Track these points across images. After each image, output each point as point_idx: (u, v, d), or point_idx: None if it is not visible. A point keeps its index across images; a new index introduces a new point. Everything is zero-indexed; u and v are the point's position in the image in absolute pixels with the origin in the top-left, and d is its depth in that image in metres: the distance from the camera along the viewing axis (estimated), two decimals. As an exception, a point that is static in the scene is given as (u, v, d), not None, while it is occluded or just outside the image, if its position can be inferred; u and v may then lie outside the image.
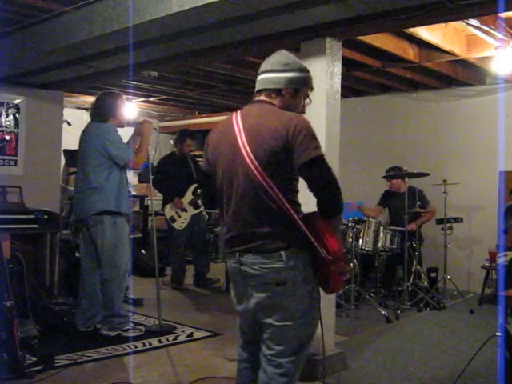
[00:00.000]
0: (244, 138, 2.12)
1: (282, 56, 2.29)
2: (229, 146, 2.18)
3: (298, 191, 2.17)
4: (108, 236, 4.11)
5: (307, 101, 2.32)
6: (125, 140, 4.26)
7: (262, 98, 2.25)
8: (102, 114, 4.20)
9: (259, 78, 2.29)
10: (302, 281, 2.11)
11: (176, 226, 6.06)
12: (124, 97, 4.36)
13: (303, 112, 2.31)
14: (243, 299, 2.23)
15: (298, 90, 2.25)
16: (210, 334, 4.38)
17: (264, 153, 2.07)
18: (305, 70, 2.28)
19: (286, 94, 2.23)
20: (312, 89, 2.32)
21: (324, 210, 2.10)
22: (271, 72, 2.24)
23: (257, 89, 2.28)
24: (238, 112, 2.25)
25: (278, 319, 2.13)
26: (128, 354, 3.83)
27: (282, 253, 2.07)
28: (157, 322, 4.36)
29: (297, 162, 2.07)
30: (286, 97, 2.23)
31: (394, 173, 5.88)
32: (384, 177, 5.98)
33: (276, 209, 2.07)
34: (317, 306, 2.20)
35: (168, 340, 4.15)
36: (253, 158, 2.08)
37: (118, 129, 4.26)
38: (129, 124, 4.49)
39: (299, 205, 2.16)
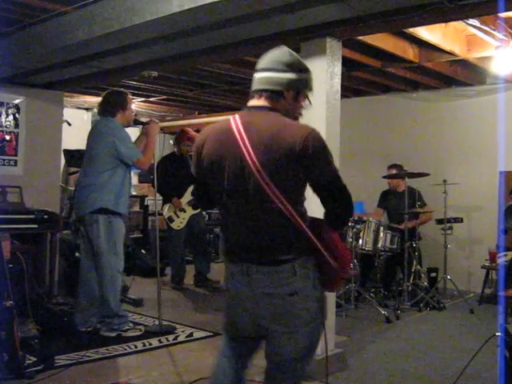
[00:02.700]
0: (251, 152, 1.96)
1: (284, 54, 2.12)
2: (233, 157, 2.01)
3: (305, 199, 2.11)
4: (102, 236, 4.10)
5: (307, 103, 2.19)
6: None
7: (264, 102, 2.08)
8: (110, 109, 4.21)
9: (258, 75, 2.11)
10: (311, 288, 2.09)
11: (174, 226, 6.06)
12: (130, 95, 4.37)
13: (301, 114, 2.19)
14: (247, 307, 2.14)
15: (300, 92, 2.12)
16: (210, 333, 4.37)
17: (276, 169, 1.94)
18: (307, 71, 2.15)
19: (288, 97, 2.09)
20: (311, 89, 2.19)
21: (335, 223, 2.09)
22: (272, 71, 2.07)
23: (255, 87, 2.11)
24: (238, 118, 2.06)
25: (290, 326, 2.09)
26: (128, 353, 3.83)
27: (295, 264, 2.02)
28: (157, 322, 4.36)
29: (315, 181, 2.01)
30: (287, 99, 2.09)
31: (396, 170, 5.88)
32: (385, 177, 5.98)
33: (286, 222, 2.00)
34: (324, 309, 2.18)
35: (168, 340, 4.15)
36: (264, 173, 1.94)
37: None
38: (134, 123, 4.50)
39: (306, 213, 2.10)
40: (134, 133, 4.45)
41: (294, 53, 2.17)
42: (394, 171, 5.97)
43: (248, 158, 1.97)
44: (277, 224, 2.03)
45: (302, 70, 2.13)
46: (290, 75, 2.08)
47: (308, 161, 1.95)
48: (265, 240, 2.05)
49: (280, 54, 2.12)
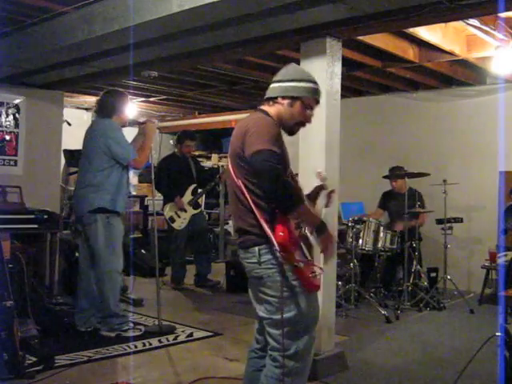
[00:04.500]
0: (230, 144, 2.30)
1: (286, 68, 2.37)
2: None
3: None
4: (101, 236, 4.09)
5: (309, 112, 2.35)
6: (128, 140, 4.26)
7: (261, 106, 2.36)
8: (106, 110, 4.20)
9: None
10: (278, 276, 2.17)
11: (175, 226, 6.05)
12: (128, 96, 4.37)
13: (304, 122, 2.36)
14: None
15: (295, 99, 2.29)
16: (210, 334, 4.38)
17: (233, 155, 2.23)
18: (305, 81, 2.32)
19: (283, 103, 2.30)
20: (317, 99, 2.36)
21: (276, 205, 2.13)
22: (273, 82, 2.35)
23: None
24: None
25: (264, 312, 2.25)
26: (128, 354, 3.83)
27: (256, 248, 2.19)
28: (157, 322, 4.36)
29: (247, 156, 2.14)
30: (282, 105, 2.30)
31: (398, 173, 5.86)
32: (385, 177, 5.97)
33: (248, 207, 2.17)
34: (303, 302, 2.21)
35: (168, 340, 4.15)
36: (230, 160, 2.26)
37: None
38: (130, 124, 4.49)
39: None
40: (133, 133, 4.44)
41: (299, 67, 2.47)
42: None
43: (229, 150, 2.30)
44: (241, 208, 2.22)
45: (299, 79, 2.31)
46: (285, 84, 2.32)
47: (245, 139, 2.15)
48: (238, 224, 2.28)
49: (284, 68, 2.38)
